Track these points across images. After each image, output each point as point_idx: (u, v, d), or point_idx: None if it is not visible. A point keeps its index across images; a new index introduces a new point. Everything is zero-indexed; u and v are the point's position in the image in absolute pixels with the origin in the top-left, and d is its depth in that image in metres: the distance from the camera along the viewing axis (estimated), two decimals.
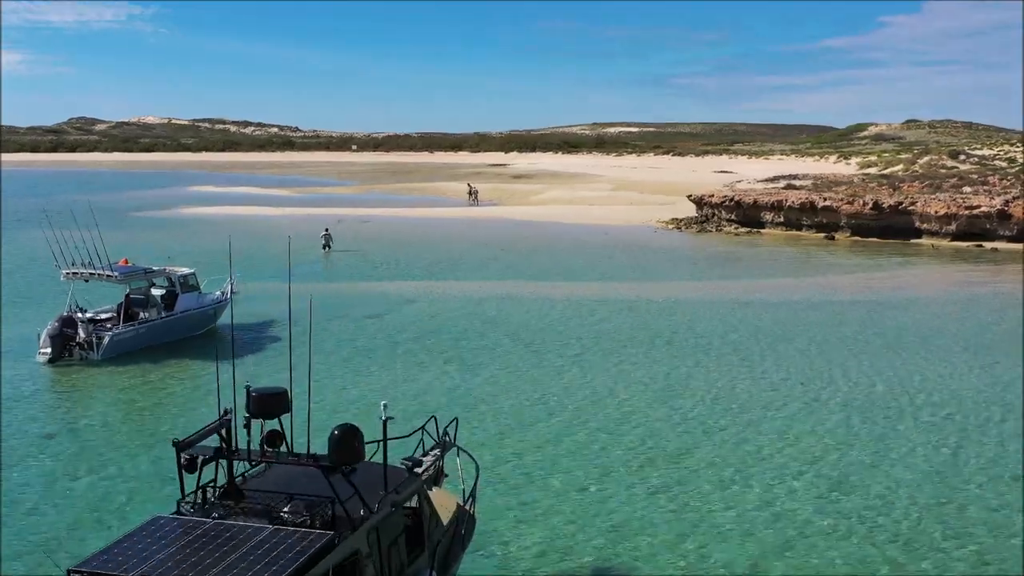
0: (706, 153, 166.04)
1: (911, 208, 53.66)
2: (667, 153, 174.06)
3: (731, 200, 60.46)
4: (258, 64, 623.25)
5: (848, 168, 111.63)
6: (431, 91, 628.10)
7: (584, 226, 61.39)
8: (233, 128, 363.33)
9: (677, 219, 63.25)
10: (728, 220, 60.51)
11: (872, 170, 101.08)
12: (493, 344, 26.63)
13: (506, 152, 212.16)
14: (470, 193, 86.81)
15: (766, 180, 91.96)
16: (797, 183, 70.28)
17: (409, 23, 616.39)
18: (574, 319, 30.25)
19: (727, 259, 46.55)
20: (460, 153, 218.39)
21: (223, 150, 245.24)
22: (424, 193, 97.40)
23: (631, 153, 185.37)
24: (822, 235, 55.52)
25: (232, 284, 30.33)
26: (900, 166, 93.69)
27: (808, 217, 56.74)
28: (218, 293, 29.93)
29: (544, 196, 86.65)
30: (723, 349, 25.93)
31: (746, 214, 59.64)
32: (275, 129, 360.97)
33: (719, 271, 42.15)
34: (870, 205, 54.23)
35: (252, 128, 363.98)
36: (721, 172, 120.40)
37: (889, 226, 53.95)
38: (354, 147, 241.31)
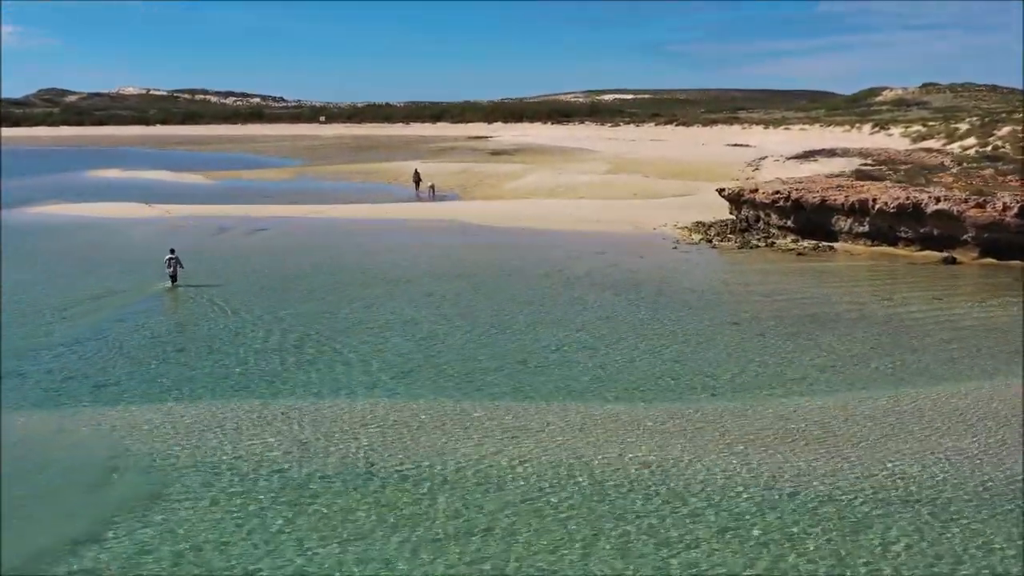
0: (713, 122, 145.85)
1: None
2: (669, 123, 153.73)
3: (785, 198, 40.93)
4: (246, 34, 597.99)
5: (892, 140, 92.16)
6: (420, 59, 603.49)
7: (570, 235, 42.10)
8: (214, 99, 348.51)
9: (704, 223, 43.92)
10: (781, 227, 41.19)
11: (930, 143, 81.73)
12: None
13: (490, 123, 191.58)
14: (417, 182, 65.81)
15: (798, 157, 73.78)
16: (865, 166, 50.91)
17: None
18: None
19: (815, 320, 26.61)
20: (439, 124, 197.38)
21: (183, 123, 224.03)
22: (373, 178, 77.57)
23: (628, 123, 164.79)
24: (935, 254, 36.15)
25: None
26: (973, 139, 73.98)
27: (909, 226, 37.30)
28: None
29: (522, 183, 67.00)
30: None
31: (809, 219, 40.27)
32: (257, 99, 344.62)
33: (817, 358, 22.47)
34: (1015, 211, 34.80)
35: (234, 99, 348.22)
36: (736, 146, 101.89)
37: None
38: (322, 119, 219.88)
